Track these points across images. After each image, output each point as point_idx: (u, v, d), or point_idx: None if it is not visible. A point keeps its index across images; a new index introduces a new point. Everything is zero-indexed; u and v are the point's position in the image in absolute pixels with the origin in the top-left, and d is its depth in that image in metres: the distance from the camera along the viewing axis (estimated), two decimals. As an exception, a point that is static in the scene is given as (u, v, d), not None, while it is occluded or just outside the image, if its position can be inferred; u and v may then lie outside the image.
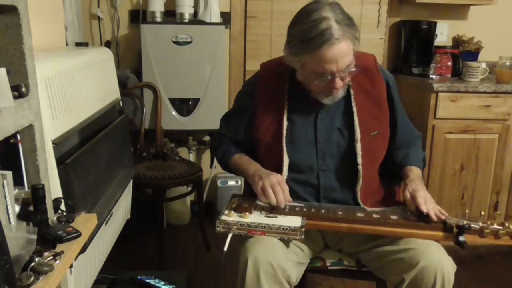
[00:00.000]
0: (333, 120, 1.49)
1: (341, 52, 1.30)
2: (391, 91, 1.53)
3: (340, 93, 1.44)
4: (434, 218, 1.33)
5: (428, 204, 1.35)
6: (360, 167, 1.46)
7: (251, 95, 1.55)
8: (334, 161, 1.49)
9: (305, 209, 1.42)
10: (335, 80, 1.35)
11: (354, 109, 1.47)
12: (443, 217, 1.34)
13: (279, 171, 1.47)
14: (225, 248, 1.28)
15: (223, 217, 1.36)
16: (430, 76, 2.73)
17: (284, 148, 1.47)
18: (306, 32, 1.31)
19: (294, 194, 1.49)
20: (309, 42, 1.30)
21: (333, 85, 1.36)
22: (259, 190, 1.40)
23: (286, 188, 1.40)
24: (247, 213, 1.37)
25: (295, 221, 1.35)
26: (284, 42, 1.41)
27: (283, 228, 1.31)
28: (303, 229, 1.31)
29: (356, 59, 1.38)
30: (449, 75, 2.75)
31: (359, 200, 1.48)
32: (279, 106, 1.50)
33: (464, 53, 2.90)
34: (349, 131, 1.48)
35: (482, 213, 1.39)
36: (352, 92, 1.48)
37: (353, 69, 1.37)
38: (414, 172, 1.49)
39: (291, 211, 1.40)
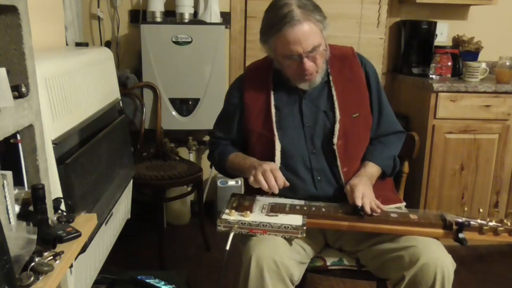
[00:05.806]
0: (318, 104, 1.55)
1: (303, 33, 1.38)
2: (369, 77, 1.58)
3: (317, 79, 1.50)
4: (369, 211, 1.37)
5: (364, 198, 1.38)
6: (335, 147, 1.50)
7: (239, 90, 1.61)
8: (321, 143, 1.54)
9: (305, 208, 1.43)
10: (303, 61, 1.42)
11: (334, 93, 1.53)
12: (378, 211, 1.37)
13: (272, 158, 1.51)
14: (227, 247, 1.28)
15: (224, 216, 1.36)
16: (430, 76, 2.73)
17: (276, 134, 1.52)
18: (271, 19, 1.43)
19: (290, 184, 1.49)
20: (274, 26, 1.41)
21: (303, 66, 1.43)
22: (251, 179, 1.40)
23: (279, 174, 1.41)
24: (248, 212, 1.37)
25: (296, 220, 1.35)
26: None
27: (284, 227, 1.32)
28: (305, 228, 1.32)
29: (332, 49, 1.51)
30: (449, 75, 2.75)
31: (343, 182, 1.51)
32: (265, 95, 1.56)
33: (464, 53, 2.90)
34: (333, 113, 1.53)
35: (481, 210, 1.39)
36: (331, 78, 1.55)
37: (323, 50, 1.44)
38: (367, 169, 1.52)
39: (292, 210, 1.41)
